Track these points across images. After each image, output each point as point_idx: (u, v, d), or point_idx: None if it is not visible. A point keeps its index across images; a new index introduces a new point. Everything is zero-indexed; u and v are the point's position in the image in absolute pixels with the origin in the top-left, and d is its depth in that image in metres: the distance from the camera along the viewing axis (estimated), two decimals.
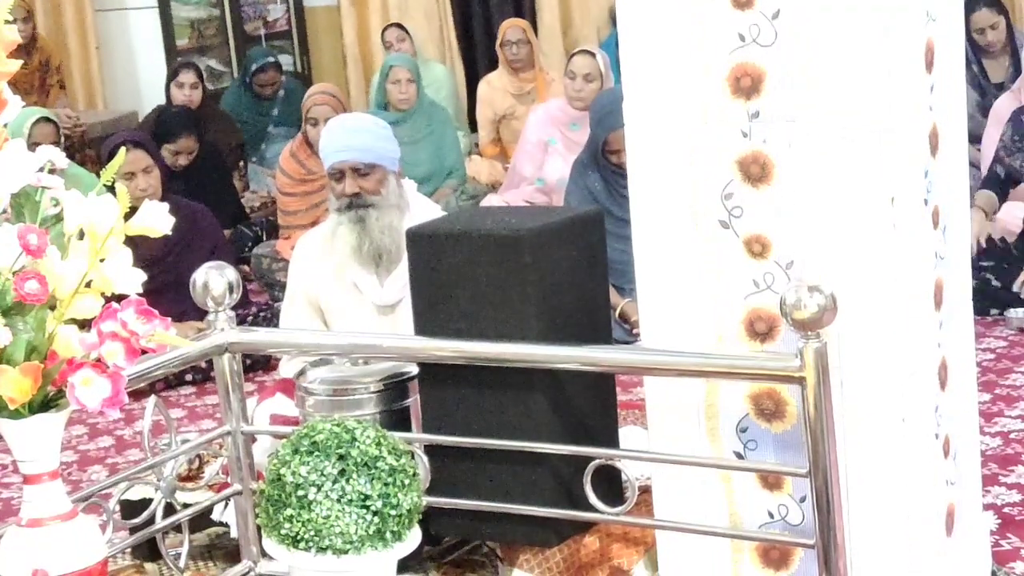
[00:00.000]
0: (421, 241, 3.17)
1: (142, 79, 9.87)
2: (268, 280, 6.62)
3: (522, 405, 3.05)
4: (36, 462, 2.22)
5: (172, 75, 8.41)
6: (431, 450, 3.10)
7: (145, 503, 3.02)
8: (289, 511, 2.48)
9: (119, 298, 2.17)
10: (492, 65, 8.74)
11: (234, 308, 3.08)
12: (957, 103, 2.98)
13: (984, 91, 7.03)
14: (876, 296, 2.69)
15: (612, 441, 3.20)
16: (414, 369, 3.27)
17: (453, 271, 3.10)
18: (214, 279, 3.03)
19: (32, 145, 2.26)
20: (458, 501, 3.07)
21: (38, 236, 2.12)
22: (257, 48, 9.48)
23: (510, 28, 8.31)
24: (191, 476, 3.43)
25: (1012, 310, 5.52)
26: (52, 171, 2.25)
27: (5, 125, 2.25)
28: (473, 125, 8.73)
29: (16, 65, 2.23)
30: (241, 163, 8.34)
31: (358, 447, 2.50)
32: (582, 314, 3.14)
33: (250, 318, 5.79)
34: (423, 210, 4.23)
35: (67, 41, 9.68)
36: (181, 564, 3.04)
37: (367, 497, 2.46)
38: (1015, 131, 6.03)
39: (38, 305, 2.14)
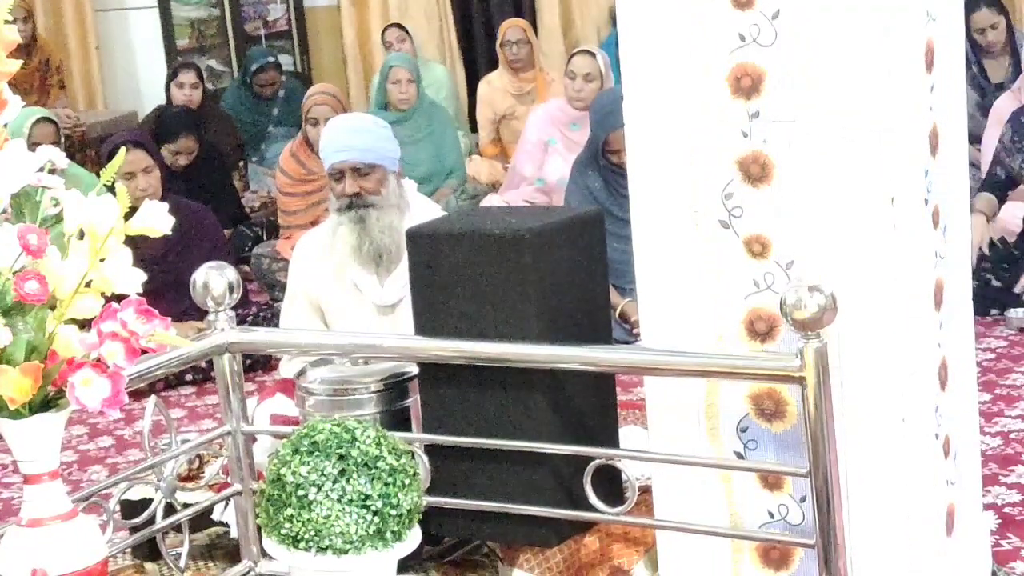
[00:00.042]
0: (421, 241, 3.17)
1: (142, 79, 9.87)
2: (268, 280, 6.62)
3: (522, 405, 3.05)
4: (36, 462, 2.22)
5: (172, 75, 8.42)
6: (431, 450, 3.09)
7: (145, 503, 3.01)
8: (289, 511, 2.47)
9: (119, 298, 2.17)
10: (492, 65, 8.74)
11: (234, 308, 3.07)
12: (957, 103, 2.98)
13: (984, 91, 7.03)
14: (876, 296, 2.69)
15: (612, 441, 3.20)
16: (414, 369, 3.27)
17: (453, 271, 3.10)
18: (214, 279, 3.03)
19: (32, 145, 2.26)
20: (458, 501, 3.07)
21: (38, 236, 2.12)
22: (257, 48, 9.48)
23: (510, 28, 8.31)
24: (191, 476, 3.43)
25: (1012, 310, 5.53)
26: (52, 171, 2.25)
27: (5, 125, 2.24)
28: (473, 125, 8.73)
29: (16, 65, 2.22)
30: (241, 163, 8.34)
31: (358, 447, 2.50)
32: (582, 314, 3.14)
33: (250, 318, 5.79)
34: (423, 210, 4.22)
35: (67, 41, 9.68)
36: (181, 564, 3.03)
37: (367, 497, 2.46)
38: (1014, 132, 6.02)
39: (38, 305, 2.13)
